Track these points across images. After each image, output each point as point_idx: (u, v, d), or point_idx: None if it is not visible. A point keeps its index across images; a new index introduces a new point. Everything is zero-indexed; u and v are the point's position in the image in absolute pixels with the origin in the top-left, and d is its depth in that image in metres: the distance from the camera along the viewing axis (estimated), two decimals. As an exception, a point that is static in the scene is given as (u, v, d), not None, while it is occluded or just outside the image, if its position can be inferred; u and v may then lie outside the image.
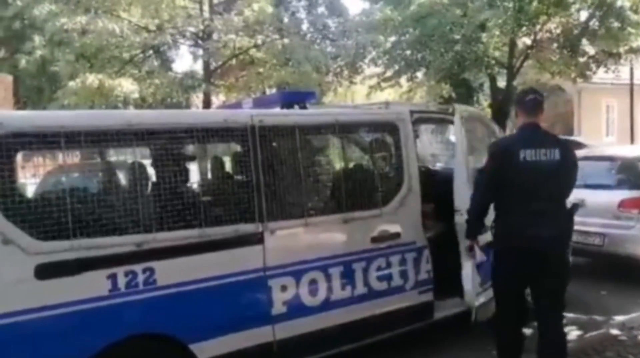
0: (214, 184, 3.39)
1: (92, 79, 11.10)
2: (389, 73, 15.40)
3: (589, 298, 5.00)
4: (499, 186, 3.08)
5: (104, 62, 12.26)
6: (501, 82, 15.61)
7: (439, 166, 5.51)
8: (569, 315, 4.57)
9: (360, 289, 3.43)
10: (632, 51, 12.69)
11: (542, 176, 3.02)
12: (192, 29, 13.02)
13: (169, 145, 2.92)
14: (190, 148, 3.38)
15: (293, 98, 3.86)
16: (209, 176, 3.71)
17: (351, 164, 3.71)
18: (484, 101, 19.61)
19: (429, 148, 5.75)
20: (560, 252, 3.13)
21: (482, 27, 12.58)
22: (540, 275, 3.06)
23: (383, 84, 16.23)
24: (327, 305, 3.29)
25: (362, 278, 3.44)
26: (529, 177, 3.02)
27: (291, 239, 3.23)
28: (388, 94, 21.79)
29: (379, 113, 3.96)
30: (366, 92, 17.87)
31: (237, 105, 4.38)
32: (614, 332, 4.00)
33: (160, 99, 12.34)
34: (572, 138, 18.33)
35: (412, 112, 3.81)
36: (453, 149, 4.18)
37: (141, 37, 12.21)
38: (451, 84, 17.29)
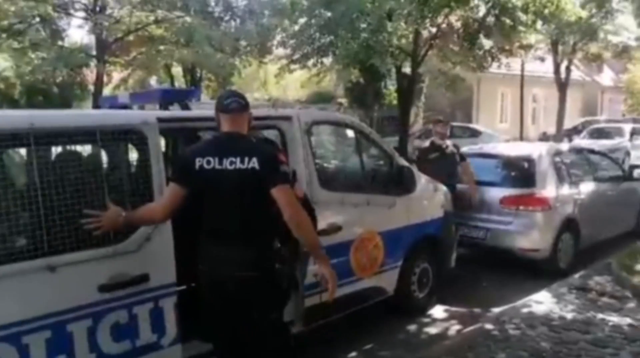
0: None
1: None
2: (297, 56, 15.27)
3: (471, 291, 5.28)
4: None
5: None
6: (407, 69, 16.07)
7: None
8: (451, 308, 4.87)
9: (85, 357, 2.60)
10: (522, 47, 13.57)
11: None
12: (82, 0, 11.91)
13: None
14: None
15: (173, 96, 3.58)
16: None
17: (64, 187, 2.56)
18: (391, 86, 20.11)
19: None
20: None
21: (389, 16, 12.80)
22: None
23: (292, 67, 16.06)
24: None
25: (87, 342, 2.60)
26: None
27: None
28: (300, 75, 21.73)
29: (114, 116, 3.05)
30: (275, 74, 17.64)
31: (114, 99, 4.01)
32: (488, 326, 4.23)
33: (41, 79, 11.12)
34: (470, 125, 19.54)
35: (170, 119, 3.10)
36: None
37: (17, 5, 10.86)
38: (359, 70, 17.53)
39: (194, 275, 2.76)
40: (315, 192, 3.69)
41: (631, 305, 4.56)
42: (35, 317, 2.46)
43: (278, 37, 14.53)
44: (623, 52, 22.14)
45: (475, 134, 17.04)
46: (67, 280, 2.56)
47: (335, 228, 3.84)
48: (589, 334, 3.99)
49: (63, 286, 2.55)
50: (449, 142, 6.00)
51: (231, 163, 2.44)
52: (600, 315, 4.33)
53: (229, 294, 2.51)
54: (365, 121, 15.95)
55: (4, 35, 11.10)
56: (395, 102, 18.18)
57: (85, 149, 2.74)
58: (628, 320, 4.21)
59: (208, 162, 2.47)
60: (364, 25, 12.44)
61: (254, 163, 2.42)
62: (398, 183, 4.40)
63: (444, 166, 5.59)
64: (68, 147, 2.78)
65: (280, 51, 16.97)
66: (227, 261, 2.49)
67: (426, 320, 4.59)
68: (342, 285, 3.94)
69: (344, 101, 21.39)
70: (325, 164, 4.43)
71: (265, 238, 2.50)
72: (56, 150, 2.80)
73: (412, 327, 4.43)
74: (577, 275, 5.36)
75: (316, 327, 3.77)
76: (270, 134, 3.73)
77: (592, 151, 7.24)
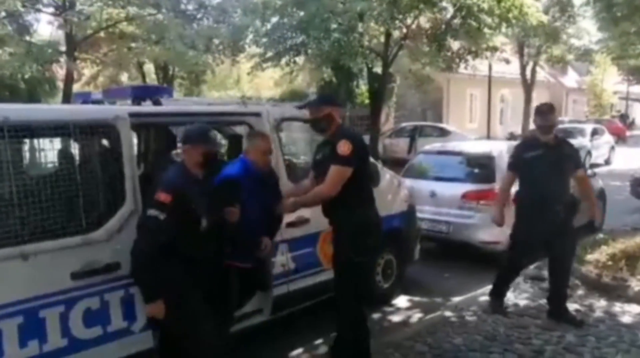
0: None
1: None
2: (269, 54, 15.37)
3: (434, 281, 5.53)
4: None
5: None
6: (378, 69, 16.35)
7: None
8: (414, 298, 5.10)
9: (57, 343, 2.70)
10: (488, 49, 13.99)
11: None
12: (50, -4, 11.72)
13: None
14: None
15: (145, 93, 3.68)
16: None
17: (38, 178, 2.73)
18: (363, 86, 20.39)
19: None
20: None
21: (360, 17, 13.04)
22: None
23: (264, 65, 16.15)
24: None
25: (59, 327, 2.71)
26: None
27: None
28: (273, 74, 21.81)
29: (89, 111, 3.18)
30: (247, 72, 17.69)
31: (87, 95, 4.08)
32: (447, 313, 4.47)
33: (9, 74, 10.90)
34: (439, 124, 19.97)
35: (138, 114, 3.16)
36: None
37: (-17, 1, 10.67)
38: (332, 69, 17.75)
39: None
40: (285, 186, 3.85)
41: (580, 292, 4.88)
42: (8, 303, 2.56)
43: (250, 36, 14.61)
44: (585, 55, 22.99)
45: (444, 133, 17.44)
46: (39, 267, 2.66)
47: (303, 221, 4.01)
48: (539, 319, 4.26)
49: (36, 274, 2.65)
50: (559, 139, 4.33)
51: None
52: (551, 302, 4.61)
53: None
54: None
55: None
56: (367, 101, 18.47)
57: (59, 143, 2.84)
58: (575, 306, 4.51)
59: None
60: (335, 26, 12.63)
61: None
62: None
63: (547, 169, 4.02)
64: (42, 140, 2.89)
65: (253, 49, 17.05)
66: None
67: (390, 309, 4.81)
68: (309, 275, 4.16)
69: (316, 99, 21.53)
70: (294, 160, 4.59)
71: None
72: (31, 143, 2.91)
73: (376, 316, 4.63)
74: (532, 266, 5.66)
75: (283, 316, 3.94)
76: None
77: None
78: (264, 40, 14.19)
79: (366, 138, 16.01)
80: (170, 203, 2.67)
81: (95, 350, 2.84)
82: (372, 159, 4.93)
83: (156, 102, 3.63)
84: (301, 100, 22.64)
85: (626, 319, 4.24)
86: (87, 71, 18.02)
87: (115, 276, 2.91)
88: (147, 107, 3.47)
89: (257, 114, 3.83)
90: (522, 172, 4.21)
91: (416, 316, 4.69)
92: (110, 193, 2.96)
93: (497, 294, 4.50)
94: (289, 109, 4.27)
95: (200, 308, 2.87)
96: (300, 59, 15.42)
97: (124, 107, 3.24)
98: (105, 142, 3.10)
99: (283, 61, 14.93)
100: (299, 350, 4.00)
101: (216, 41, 17.07)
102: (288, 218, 3.85)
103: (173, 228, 2.70)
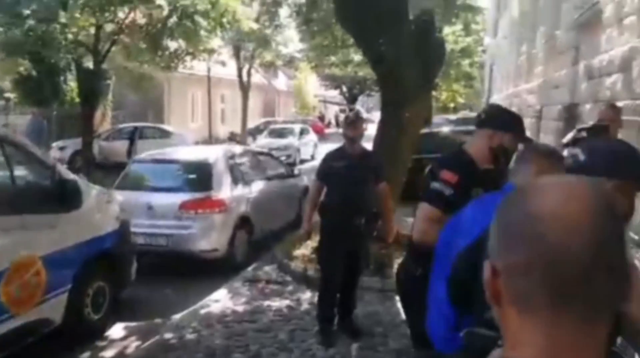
0: None
1: None
2: None
3: (153, 300, 5.20)
4: None
5: None
6: (90, 64, 14.84)
7: None
8: (130, 323, 4.70)
9: None
10: (206, 50, 14.22)
11: None
12: None
13: None
14: None
15: None
16: None
17: None
18: (72, 82, 18.24)
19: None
20: None
21: (63, 5, 11.53)
22: None
23: None
24: None
25: None
26: None
27: None
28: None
29: None
30: None
31: None
32: (167, 335, 4.24)
33: None
34: (160, 125, 19.40)
35: None
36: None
37: None
38: (30, 61, 15.31)
39: None
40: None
41: (290, 287, 5.31)
42: None
43: None
44: (290, 62, 25.74)
45: (165, 135, 17.02)
46: None
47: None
48: (255, 323, 4.45)
49: None
50: (365, 150, 4.25)
51: None
52: (266, 303, 4.90)
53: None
54: (42, 121, 14.03)
55: None
56: (77, 99, 16.58)
57: None
58: (287, 302, 4.88)
59: None
60: (28, 12, 10.87)
61: None
62: (61, 199, 3.99)
63: (352, 180, 3.90)
64: None
65: None
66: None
67: (103, 343, 4.32)
68: (-9, 326, 3.38)
69: (12, 96, 18.33)
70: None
71: None
72: None
73: (87, 354, 4.11)
74: (250, 268, 5.93)
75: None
76: None
77: (261, 153, 8.13)
78: None
79: (78, 141, 14.44)
80: (457, 184, 2.20)
81: None
82: (73, 176, 4.36)
83: None
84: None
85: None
86: None
87: None
88: None
89: None
90: (328, 182, 4.07)
91: (133, 345, 4.32)
92: None
93: (325, 320, 4.13)
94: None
95: None
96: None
97: None
98: None
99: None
100: None
101: None
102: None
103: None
